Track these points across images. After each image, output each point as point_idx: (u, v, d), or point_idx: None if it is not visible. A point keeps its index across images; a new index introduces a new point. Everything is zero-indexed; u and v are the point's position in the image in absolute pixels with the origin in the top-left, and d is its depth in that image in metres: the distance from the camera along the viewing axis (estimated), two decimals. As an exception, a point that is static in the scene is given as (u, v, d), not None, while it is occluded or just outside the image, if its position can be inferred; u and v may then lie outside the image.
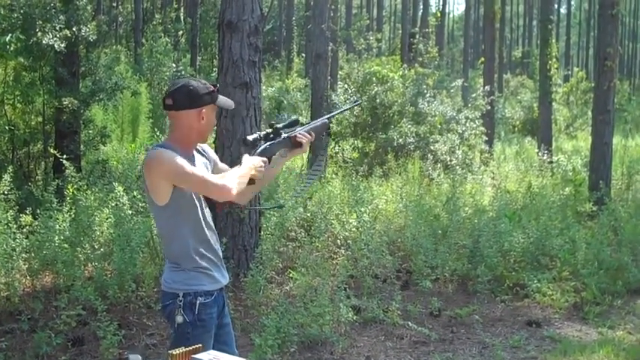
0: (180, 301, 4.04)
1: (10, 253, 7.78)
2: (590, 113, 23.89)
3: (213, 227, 4.23)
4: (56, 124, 12.35)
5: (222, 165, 4.42)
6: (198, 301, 4.04)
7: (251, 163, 4.14)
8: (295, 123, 4.46)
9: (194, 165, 4.06)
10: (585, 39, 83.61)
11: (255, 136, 4.34)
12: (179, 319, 4.03)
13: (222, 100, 4.23)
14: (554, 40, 24.46)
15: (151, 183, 4.01)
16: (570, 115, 36.14)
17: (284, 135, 4.37)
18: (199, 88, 4.07)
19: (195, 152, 4.21)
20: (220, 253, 4.27)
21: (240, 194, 4.07)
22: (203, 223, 4.13)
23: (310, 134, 4.44)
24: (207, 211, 4.18)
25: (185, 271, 4.06)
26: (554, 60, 23.35)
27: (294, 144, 4.40)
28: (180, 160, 3.94)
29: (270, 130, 4.35)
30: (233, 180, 3.99)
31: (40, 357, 6.68)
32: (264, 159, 4.24)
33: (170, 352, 3.33)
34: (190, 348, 3.38)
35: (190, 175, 3.94)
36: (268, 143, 4.32)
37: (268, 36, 51.31)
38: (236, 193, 3.94)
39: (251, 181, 4.14)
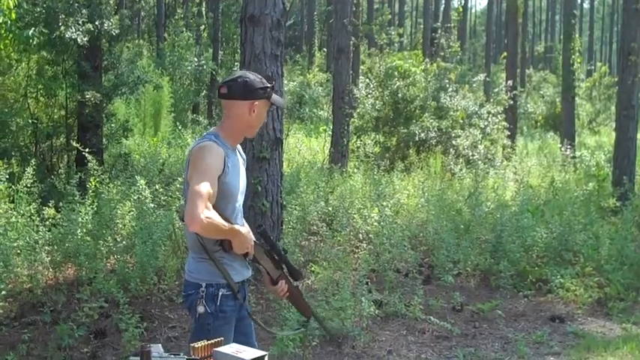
0: (203, 291, 4.05)
1: (33, 246, 7.80)
2: (613, 108, 23.72)
3: (244, 221, 4.24)
4: (79, 117, 12.41)
5: None
6: (220, 293, 4.05)
7: (242, 235, 4.08)
8: (293, 273, 4.44)
9: (232, 161, 4.09)
10: (608, 34, 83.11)
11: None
12: (200, 309, 4.04)
13: (276, 98, 4.25)
14: (577, 35, 24.35)
15: (190, 169, 4.03)
16: (593, 110, 35.98)
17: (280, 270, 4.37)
18: (255, 82, 4.12)
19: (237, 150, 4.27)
20: None
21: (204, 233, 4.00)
22: (232, 216, 4.11)
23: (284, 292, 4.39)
24: (238, 205, 4.19)
25: (209, 263, 4.06)
26: (577, 55, 23.24)
27: (274, 279, 4.36)
28: (213, 166, 3.97)
29: (281, 250, 4.38)
30: (211, 224, 3.83)
31: (63, 349, 6.69)
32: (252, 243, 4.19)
33: (192, 344, 3.33)
34: (212, 341, 3.38)
35: (200, 182, 3.86)
36: (271, 251, 4.32)
37: (290, 31, 51.32)
38: (199, 230, 3.86)
39: (246, 255, 4.16)
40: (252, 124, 4.19)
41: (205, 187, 3.85)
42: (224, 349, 3.33)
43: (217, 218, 3.88)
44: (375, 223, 10.22)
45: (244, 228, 4.11)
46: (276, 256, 4.29)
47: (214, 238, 4.02)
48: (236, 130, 4.17)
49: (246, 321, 4.32)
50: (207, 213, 3.81)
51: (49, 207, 8.63)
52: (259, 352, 3.29)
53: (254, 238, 4.19)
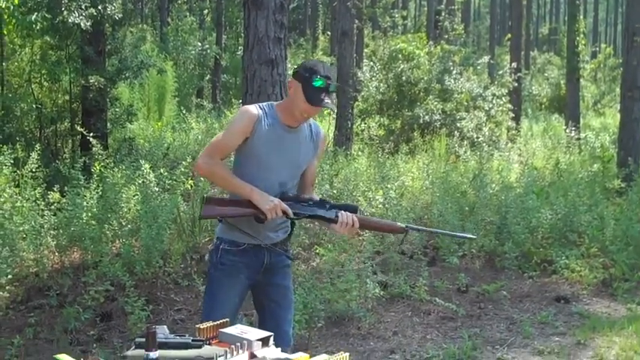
0: (214, 244, 4.35)
1: (39, 230, 7.81)
2: (618, 90, 23.65)
3: (275, 193, 4.18)
4: (83, 102, 12.41)
5: (313, 168, 4.47)
6: (222, 246, 4.27)
7: (256, 193, 4.10)
8: (352, 210, 4.22)
9: (270, 130, 4.17)
10: (613, 15, 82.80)
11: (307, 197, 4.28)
12: (207, 257, 4.43)
13: (312, 92, 4.09)
14: (581, 17, 24.27)
15: None
16: (598, 92, 35.91)
17: (325, 212, 4.21)
18: (306, 65, 4.19)
19: (303, 128, 4.31)
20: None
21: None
22: (264, 185, 4.15)
23: (354, 223, 4.17)
24: (275, 178, 4.21)
25: (225, 223, 4.24)
26: (581, 36, 23.18)
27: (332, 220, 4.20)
28: (236, 125, 4.20)
29: (318, 200, 4.26)
30: (208, 170, 4.21)
31: (69, 332, 6.72)
32: (285, 210, 4.10)
33: (198, 325, 3.35)
34: (218, 322, 3.39)
35: (218, 135, 4.29)
36: (299, 207, 4.21)
37: (293, 14, 51.17)
38: (199, 173, 4.06)
39: (259, 219, 4.14)
40: (289, 103, 4.21)
41: (217, 139, 4.22)
42: (229, 329, 3.34)
43: (219, 168, 4.17)
44: (380, 206, 10.22)
45: (258, 191, 4.11)
46: (307, 205, 4.23)
47: (227, 190, 4.33)
48: (285, 107, 4.23)
49: (277, 288, 4.42)
50: (208, 160, 4.14)
51: (54, 191, 8.64)
52: (265, 333, 3.30)
53: (277, 203, 4.09)
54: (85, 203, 8.30)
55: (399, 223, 4.33)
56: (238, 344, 3.03)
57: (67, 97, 12.52)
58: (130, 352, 3.13)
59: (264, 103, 4.29)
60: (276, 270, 4.38)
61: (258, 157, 4.18)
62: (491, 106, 19.40)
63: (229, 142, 4.19)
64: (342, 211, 4.17)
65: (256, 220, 4.15)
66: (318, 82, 4.08)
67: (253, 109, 4.18)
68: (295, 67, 4.30)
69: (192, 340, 3.19)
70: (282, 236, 4.38)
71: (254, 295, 4.49)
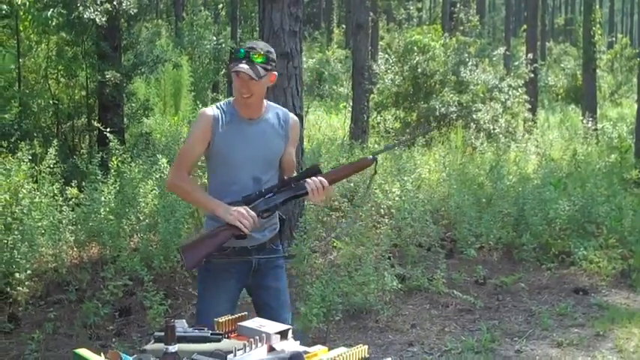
0: None
1: (57, 225, 7.85)
2: (635, 80, 23.56)
3: (252, 191, 4.05)
4: (99, 97, 12.45)
5: (289, 156, 4.29)
6: None
7: (222, 211, 3.95)
8: (314, 172, 4.09)
9: (228, 127, 4.06)
10: (629, 5, 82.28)
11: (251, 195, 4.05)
12: None
13: (233, 62, 4.01)
14: (597, 7, 24.13)
15: None
16: (615, 82, 35.71)
17: (294, 191, 4.09)
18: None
19: (268, 118, 4.19)
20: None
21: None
22: (232, 185, 4.05)
23: (323, 184, 4.05)
24: (244, 175, 4.06)
25: (210, 224, 4.14)
26: (597, 26, 23.05)
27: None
28: (194, 132, 4.15)
29: (280, 182, 4.13)
30: (176, 189, 4.31)
31: (88, 327, 6.75)
32: (252, 216, 3.92)
33: (217, 319, 3.36)
34: (236, 315, 3.40)
35: (183, 145, 4.27)
36: (265, 201, 4.04)
37: (308, 7, 51.15)
38: (171, 191, 3.99)
39: (241, 237, 3.96)
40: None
41: (180, 151, 4.23)
42: (248, 323, 3.35)
43: (186, 184, 4.11)
44: (397, 198, 10.21)
45: (222, 206, 3.96)
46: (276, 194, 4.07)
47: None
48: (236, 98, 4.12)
49: (268, 290, 4.28)
50: (175, 174, 4.14)
51: (71, 187, 8.68)
52: (283, 326, 3.30)
53: (242, 211, 3.92)
54: (102, 198, 8.33)
55: (367, 157, 4.19)
56: (257, 337, 3.04)
57: (83, 93, 12.56)
58: (149, 346, 3.14)
59: (223, 101, 4.18)
60: (266, 271, 4.25)
61: (224, 157, 4.06)
62: (507, 97, 19.33)
63: (191, 152, 4.12)
64: (308, 180, 4.03)
65: (237, 238, 3.97)
66: (238, 53, 3.98)
67: (209, 110, 4.09)
68: None
69: (211, 334, 3.20)
70: (270, 235, 4.25)
71: (251, 296, 4.41)
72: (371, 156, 4.15)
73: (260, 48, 4.01)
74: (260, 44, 4.08)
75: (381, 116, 18.66)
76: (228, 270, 4.14)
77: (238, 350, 2.94)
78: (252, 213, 3.92)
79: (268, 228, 4.22)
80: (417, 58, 18.58)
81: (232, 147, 4.04)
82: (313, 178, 4.04)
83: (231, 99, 4.17)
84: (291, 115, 4.36)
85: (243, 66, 3.92)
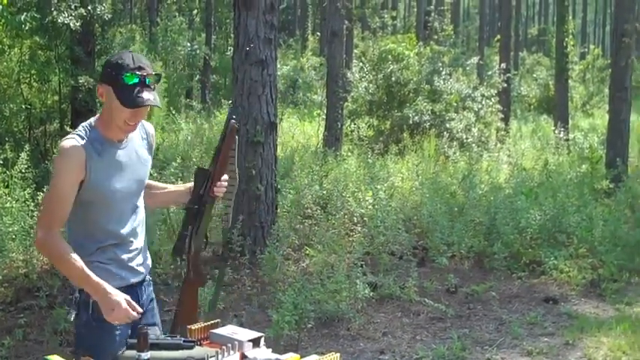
0: (76, 297, 3.48)
1: (28, 231, 7.81)
2: (606, 91, 23.70)
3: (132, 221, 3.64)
4: (72, 102, 12.41)
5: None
6: (92, 300, 3.41)
7: (102, 294, 3.33)
8: (203, 180, 3.70)
9: (100, 160, 3.44)
10: (602, 16, 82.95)
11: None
12: (71, 316, 3.51)
13: (124, 90, 3.37)
14: (570, 17, 24.31)
15: None
16: (586, 93, 35.95)
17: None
18: (111, 62, 3.48)
19: (132, 135, 3.60)
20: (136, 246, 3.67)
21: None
22: (118, 222, 3.56)
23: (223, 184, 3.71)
24: (126, 205, 3.58)
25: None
26: (570, 37, 23.22)
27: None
28: (64, 175, 3.39)
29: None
30: (55, 248, 3.38)
31: (59, 333, 6.71)
32: (137, 313, 3.36)
33: (189, 326, 3.35)
34: (208, 323, 3.40)
35: (49, 195, 3.49)
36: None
37: (283, 14, 51.15)
38: (42, 253, 3.37)
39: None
40: (108, 114, 3.45)
41: (49, 204, 3.47)
42: (220, 330, 3.35)
43: (62, 247, 3.38)
44: (370, 207, 10.25)
45: (104, 288, 3.34)
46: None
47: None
48: (105, 120, 3.50)
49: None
50: (46, 233, 3.37)
51: (43, 192, 8.63)
52: (256, 334, 3.31)
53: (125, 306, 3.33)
54: (74, 204, 8.28)
55: (231, 122, 3.69)
56: (229, 345, 3.05)
57: (56, 98, 12.52)
58: (121, 353, 3.13)
59: (81, 128, 3.47)
60: (146, 310, 3.68)
61: (102, 194, 3.43)
62: (480, 106, 19.43)
63: (65, 200, 3.37)
64: (216, 192, 3.67)
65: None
66: (129, 79, 3.34)
67: (76, 145, 3.36)
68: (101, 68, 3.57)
69: (184, 341, 3.20)
70: (148, 266, 3.78)
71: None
72: (232, 120, 3.68)
73: (148, 66, 3.43)
74: (143, 60, 3.45)
75: (355, 124, 18.68)
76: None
77: (211, 357, 2.95)
78: (137, 309, 3.35)
79: (143, 258, 3.73)
80: (391, 67, 18.62)
81: (110, 180, 3.46)
82: (218, 184, 3.67)
83: (92, 120, 3.52)
84: (149, 124, 3.82)
85: (150, 97, 3.38)
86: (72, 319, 3.50)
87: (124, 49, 17.76)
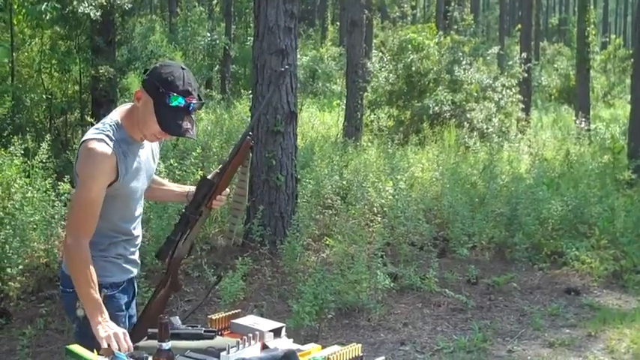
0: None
1: (49, 221, 7.82)
2: (628, 81, 23.56)
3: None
4: (93, 92, 12.41)
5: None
6: (102, 294, 3.35)
7: (98, 317, 3.22)
8: (205, 191, 3.63)
9: (140, 157, 3.49)
10: (623, 5, 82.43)
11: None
12: (80, 312, 3.35)
13: (166, 111, 3.29)
14: (591, 7, 24.15)
15: None
16: (608, 83, 35.75)
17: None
18: (161, 74, 3.32)
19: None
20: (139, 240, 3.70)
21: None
22: (128, 222, 3.57)
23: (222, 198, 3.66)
24: (138, 203, 3.60)
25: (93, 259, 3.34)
26: (591, 27, 23.07)
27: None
28: (97, 180, 3.31)
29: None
30: (83, 258, 3.27)
31: (80, 322, 6.72)
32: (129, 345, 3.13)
33: (210, 316, 3.35)
34: (230, 313, 3.39)
35: (80, 200, 3.37)
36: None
37: (303, 4, 51.07)
38: (71, 262, 3.28)
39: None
40: (139, 120, 3.37)
41: (81, 212, 3.36)
42: (241, 320, 3.34)
43: (86, 257, 3.29)
44: (390, 197, 10.22)
45: (102, 312, 3.25)
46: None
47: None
48: (134, 122, 3.41)
49: (131, 320, 3.70)
50: (79, 243, 3.29)
51: (64, 182, 8.62)
52: (277, 324, 3.30)
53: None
54: (95, 194, 8.29)
55: (247, 138, 3.54)
56: (250, 335, 3.03)
57: (76, 88, 12.52)
58: (142, 343, 3.13)
59: (108, 127, 3.34)
60: (133, 302, 3.76)
61: (125, 194, 3.44)
62: (500, 96, 19.33)
63: (96, 207, 3.31)
64: (214, 205, 3.65)
65: None
66: (175, 101, 3.25)
67: (107, 150, 3.26)
68: (146, 72, 3.40)
69: (205, 331, 3.19)
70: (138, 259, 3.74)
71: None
72: (248, 137, 3.55)
73: (195, 89, 3.33)
74: (192, 81, 3.34)
75: (375, 114, 18.65)
76: (122, 308, 3.59)
77: (232, 348, 2.93)
78: (128, 342, 3.13)
79: (138, 251, 3.71)
80: (411, 57, 18.55)
81: (135, 180, 3.47)
82: (218, 197, 3.62)
83: (115, 120, 3.41)
84: None
85: (188, 128, 3.33)
86: (80, 314, 3.35)
87: (144, 39, 17.79)
